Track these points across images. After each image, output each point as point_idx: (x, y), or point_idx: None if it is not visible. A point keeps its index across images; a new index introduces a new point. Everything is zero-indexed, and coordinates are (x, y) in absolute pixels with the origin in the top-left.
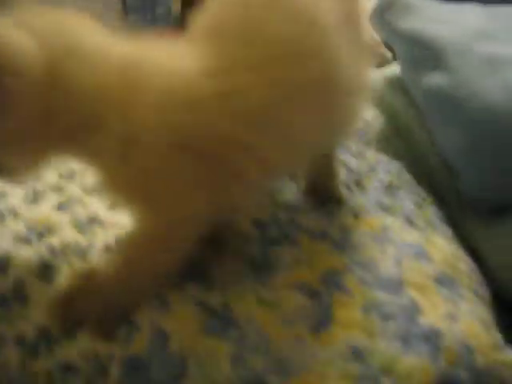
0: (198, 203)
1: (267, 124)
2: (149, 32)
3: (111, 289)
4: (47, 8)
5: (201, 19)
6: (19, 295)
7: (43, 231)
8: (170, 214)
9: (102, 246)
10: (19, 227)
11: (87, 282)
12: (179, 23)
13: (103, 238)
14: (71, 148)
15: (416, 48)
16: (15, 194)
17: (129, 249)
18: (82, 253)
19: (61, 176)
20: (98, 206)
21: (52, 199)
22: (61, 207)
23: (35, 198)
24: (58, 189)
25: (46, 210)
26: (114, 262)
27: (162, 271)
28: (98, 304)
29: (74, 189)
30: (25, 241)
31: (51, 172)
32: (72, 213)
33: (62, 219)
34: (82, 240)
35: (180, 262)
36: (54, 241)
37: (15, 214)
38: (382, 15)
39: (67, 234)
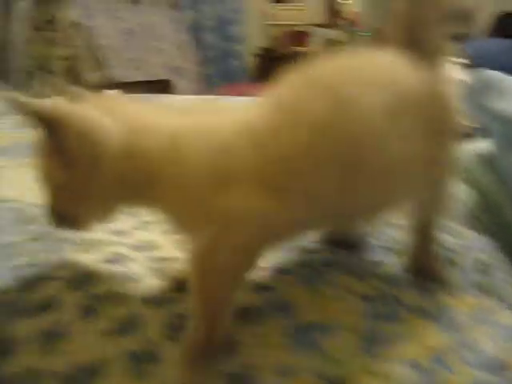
0: (247, 227)
1: (297, 188)
2: (223, 84)
3: (205, 328)
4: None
5: (268, 93)
6: (151, 354)
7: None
8: (220, 239)
9: None
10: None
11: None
12: (253, 77)
13: None
14: (138, 199)
15: (510, 129)
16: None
17: (194, 283)
18: None
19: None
20: None
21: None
22: None
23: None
24: None
25: None
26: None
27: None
28: (214, 348)
29: None
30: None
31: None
32: None
33: None
34: None
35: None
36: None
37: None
38: (475, 96)
39: None
